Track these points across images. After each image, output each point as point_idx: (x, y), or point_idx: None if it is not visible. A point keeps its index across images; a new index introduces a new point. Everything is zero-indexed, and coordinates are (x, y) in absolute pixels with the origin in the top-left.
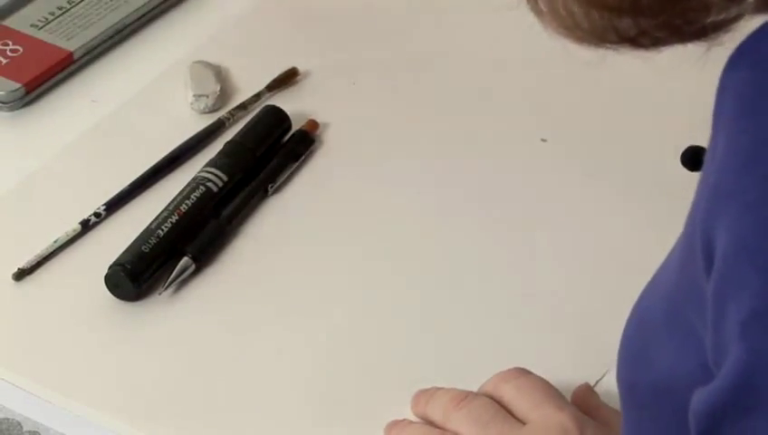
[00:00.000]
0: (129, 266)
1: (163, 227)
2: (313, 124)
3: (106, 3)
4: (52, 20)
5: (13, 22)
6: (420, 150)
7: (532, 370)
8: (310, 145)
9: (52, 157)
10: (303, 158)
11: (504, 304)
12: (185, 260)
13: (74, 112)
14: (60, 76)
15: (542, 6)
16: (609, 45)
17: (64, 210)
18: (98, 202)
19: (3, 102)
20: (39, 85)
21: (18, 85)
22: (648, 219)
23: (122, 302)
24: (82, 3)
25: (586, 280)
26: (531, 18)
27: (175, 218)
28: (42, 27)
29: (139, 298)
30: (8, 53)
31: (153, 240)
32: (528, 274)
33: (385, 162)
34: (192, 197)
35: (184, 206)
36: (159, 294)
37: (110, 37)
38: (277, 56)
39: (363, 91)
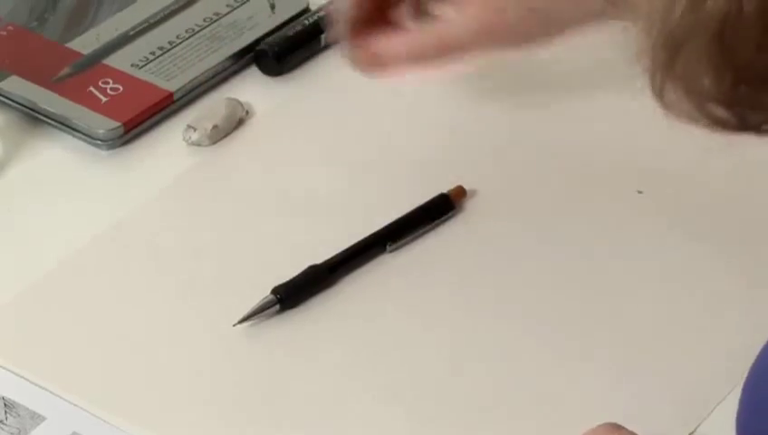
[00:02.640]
0: (276, 48)
1: (310, 19)
2: (460, 191)
3: (206, 44)
4: (153, 60)
5: (113, 60)
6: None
7: (625, 425)
8: (448, 211)
9: (150, 198)
10: (436, 224)
11: (596, 359)
12: (268, 298)
13: (172, 153)
14: (159, 116)
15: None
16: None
17: (161, 251)
18: (194, 243)
19: (102, 140)
20: (138, 124)
21: (117, 124)
22: (750, 275)
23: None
24: (183, 44)
25: (680, 335)
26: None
27: (322, 13)
28: (142, 67)
29: (281, 74)
30: (108, 91)
31: (299, 27)
32: (622, 327)
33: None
34: None
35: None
36: (233, 326)
37: (210, 78)
38: None
39: (519, 165)
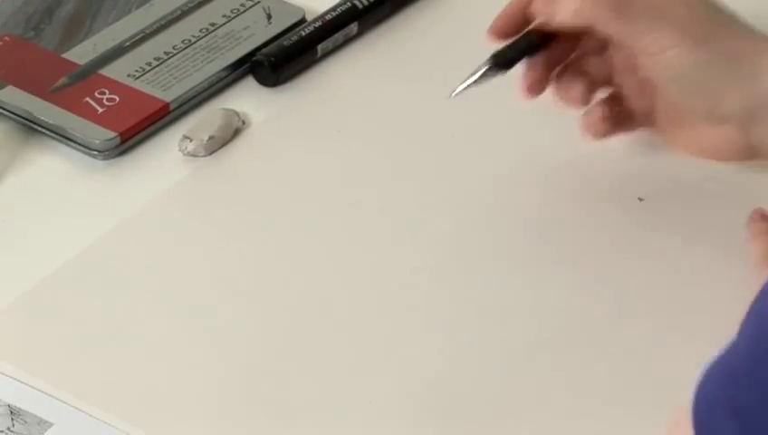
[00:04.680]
0: (272, 58)
1: (306, 29)
2: None
3: (202, 55)
4: (149, 70)
5: (110, 71)
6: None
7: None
8: None
9: (145, 205)
10: None
11: (594, 365)
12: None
13: (168, 163)
14: (155, 126)
15: None
16: None
17: (156, 260)
18: (189, 252)
19: (98, 151)
20: (134, 135)
21: (114, 134)
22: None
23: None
24: (179, 54)
25: (676, 344)
26: None
27: (318, 24)
28: (138, 77)
29: (277, 85)
30: (105, 101)
31: (295, 38)
32: (620, 334)
33: None
34: (338, 9)
35: (329, 15)
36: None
37: (206, 89)
38: None
39: None
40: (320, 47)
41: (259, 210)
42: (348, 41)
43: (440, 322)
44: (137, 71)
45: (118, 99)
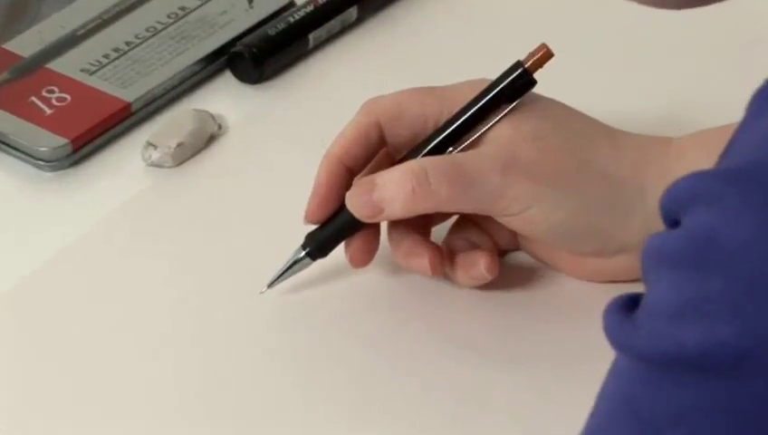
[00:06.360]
0: (254, 50)
1: (295, 15)
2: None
3: (170, 45)
4: (107, 64)
5: (59, 65)
6: None
7: None
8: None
9: (96, 223)
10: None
11: None
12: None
13: (129, 175)
14: (114, 131)
15: None
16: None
17: (106, 282)
18: (150, 270)
19: (45, 161)
20: (89, 141)
21: (64, 141)
22: None
23: None
24: (142, 45)
25: None
26: None
27: (309, 9)
28: (94, 72)
29: (260, 81)
30: (53, 101)
31: (282, 25)
32: None
33: None
34: None
35: None
36: (261, 293)
37: (175, 86)
38: None
39: None
40: (311, 36)
41: (234, 230)
42: (345, 29)
43: None
44: (92, 64)
45: (69, 98)
